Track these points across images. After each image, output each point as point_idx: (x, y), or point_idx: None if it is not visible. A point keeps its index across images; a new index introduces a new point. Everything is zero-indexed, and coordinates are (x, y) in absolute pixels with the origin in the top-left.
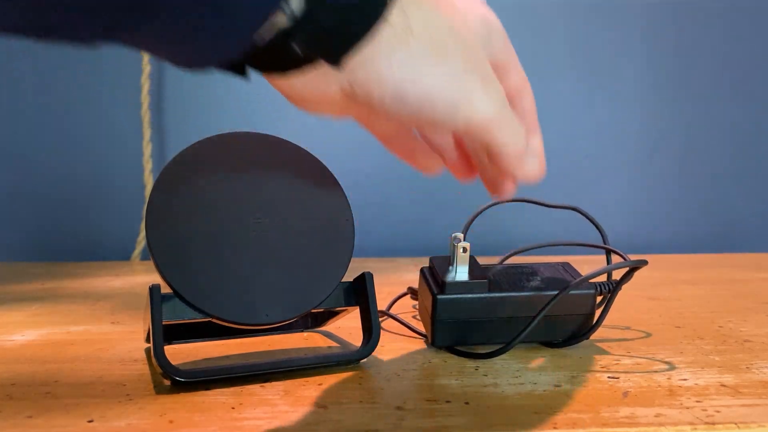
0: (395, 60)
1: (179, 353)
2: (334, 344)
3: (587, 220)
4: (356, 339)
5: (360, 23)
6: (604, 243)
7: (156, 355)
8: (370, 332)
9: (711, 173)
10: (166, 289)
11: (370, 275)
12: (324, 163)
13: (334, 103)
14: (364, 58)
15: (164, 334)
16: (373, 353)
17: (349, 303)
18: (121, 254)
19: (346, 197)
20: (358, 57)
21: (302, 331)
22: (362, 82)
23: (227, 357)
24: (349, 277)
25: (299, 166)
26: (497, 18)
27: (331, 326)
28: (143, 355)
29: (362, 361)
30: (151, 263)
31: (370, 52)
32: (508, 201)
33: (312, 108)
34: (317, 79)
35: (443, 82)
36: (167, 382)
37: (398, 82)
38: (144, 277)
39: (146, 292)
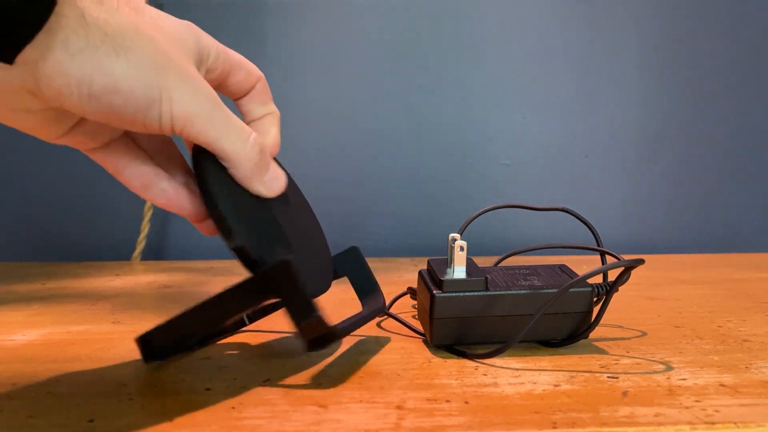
0: (72, 50)
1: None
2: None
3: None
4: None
5: (30, 15)
6: (597, 242)
7: (316, 321)
8: (376, 289)
9: (710, 173)
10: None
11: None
12: (323, 163)
13: (17, 105)
14: (40, 51)
15: (150, 352)
16: (373, 353)
17: (340, 275)
18: (121, 254)
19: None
20: (33, 51)
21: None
22: (46, 77)
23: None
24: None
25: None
26: (208, 35)
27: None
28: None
29: (361, 358)
30: (151, 263)
31: (45, 44)
32: (495, 208)
33: (7, 120)
34: None
35: (130, 75)
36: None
37: (80, 73)
38: (144, 277)
39: (147, 291)
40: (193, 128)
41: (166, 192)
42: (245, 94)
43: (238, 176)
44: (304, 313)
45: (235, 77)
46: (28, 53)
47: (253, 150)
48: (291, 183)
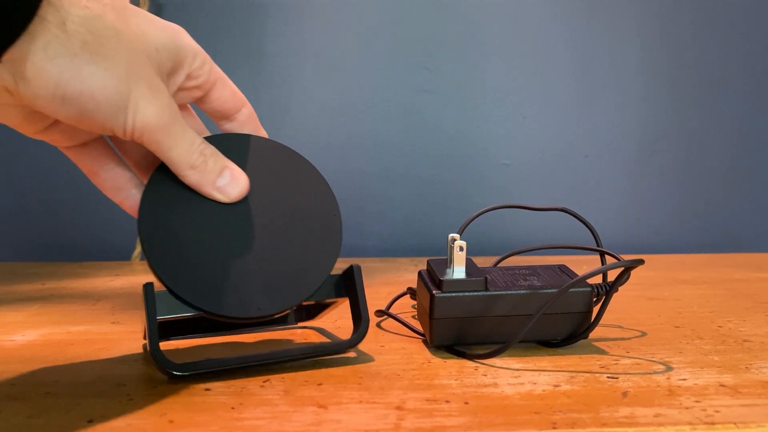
0: (51, 54)
1: (179, 354)
2: (325, 337)
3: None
4: (347, 332)
5: (14, 18)
6: (596, 242)
7: (152, 350)
8: (359, 322)
9: (710, 173)
10: (160, 287)
11: (358, 267)
12: (323, 163)
13: (2, 102)
14: (22, 52)
15: (161, 330)
16: (373, 353)
17: (339, 294)
18: (121, 254)
19: (332, 192)
20: (16, 52)
21: (296, 326)
22: (25, 79)
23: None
24: (339, 271)
25: (286, 164)
26: (196, 43)
27: (322, 321)
28: (144, 354)
29: (361, 358)
30: None
31: (26, 47)
32: (495, 208)
33: None
34: None
35: (104, 83)
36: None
37: (58, 78)
38: (144, 277)
39: None
40: (150, 137)
41: (135, 198)
42: (228, 117)
43: (188, 183)
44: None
45: (220, 92)
46: (12, 54)
47: (198, 159)
48: (277, 184)
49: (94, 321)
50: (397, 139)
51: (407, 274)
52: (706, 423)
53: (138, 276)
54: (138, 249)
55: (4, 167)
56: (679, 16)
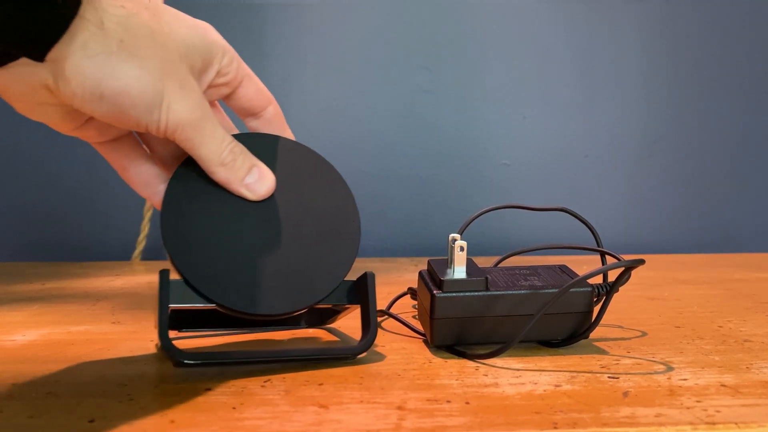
0: (90, 53)
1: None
2: (335, 339)
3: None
4: (358, 336)
5: (58, 18)
6: (597, 242)
7: (160, 336)
8: (368, 329)
9: (710, 173)
10: (176, 278)
11: (372, 275)
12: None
13: (36, 100)
14: (63, 51)
15: (174, 320)
16: (374, 353)
17: (351, 301)
18: (122, 254)
19: (353, 199)
20: (58, 51)
21: (306, 328)
22: (65, 77)
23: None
24: (353, 278)
25: (310, 168)
26: (225, 40)
27: (335, 325)
28: (144, 355)
29: (362, 358)
30: (151, 263)
31: (67, 46)
32: (496, 208)
33: (17, 106)
34: (20, 75)
35: (139, 81)
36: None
37: (96, 75)
38: (144, 277)
39: (147, 292)
40: (182, 134)
41: (163, 193)
42: (254, 114)
43: (217, 180)
44: None
45: (246, 90)
46: (54, 53)
47: (228, 156)
48: (304, 186)
49: (95, 321)
50: (397, 139)
51: (407, 274)
52: (707, 423)
53: (138, 276)
54: (138, 249)
55: (4, 168)
56: (679, 16)
